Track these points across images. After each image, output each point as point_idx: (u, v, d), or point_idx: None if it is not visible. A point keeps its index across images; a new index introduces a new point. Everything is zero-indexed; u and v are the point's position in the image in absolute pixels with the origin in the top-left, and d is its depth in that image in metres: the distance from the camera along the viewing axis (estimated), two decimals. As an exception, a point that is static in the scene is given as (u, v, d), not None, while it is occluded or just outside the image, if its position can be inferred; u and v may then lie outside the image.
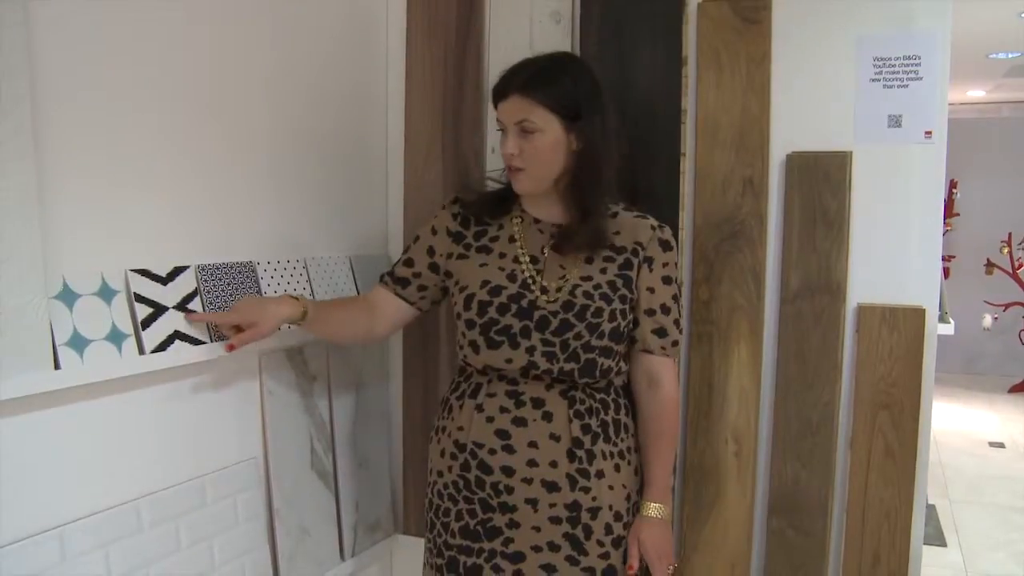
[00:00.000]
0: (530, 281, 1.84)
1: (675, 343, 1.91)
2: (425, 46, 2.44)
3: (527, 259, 1.87)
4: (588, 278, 1.84)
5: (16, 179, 1.49)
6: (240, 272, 1.99)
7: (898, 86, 2.08)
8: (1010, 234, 7.95)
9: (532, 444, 1.81)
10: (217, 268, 1.93)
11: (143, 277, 1.75)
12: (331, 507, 2.29)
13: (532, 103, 1.78)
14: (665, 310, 1.89)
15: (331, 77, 2.32)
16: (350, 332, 2.05)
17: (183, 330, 1.81)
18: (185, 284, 1.84)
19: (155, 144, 1.78)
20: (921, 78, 2.07)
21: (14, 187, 1.48)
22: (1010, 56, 6.45)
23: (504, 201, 1.93)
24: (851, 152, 2.12)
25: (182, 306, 1.82)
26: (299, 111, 2.19)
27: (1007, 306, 8.08)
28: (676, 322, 1.90)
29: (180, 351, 1.80)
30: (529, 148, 1.80)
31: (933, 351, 2.09)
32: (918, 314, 2.08)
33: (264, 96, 2.07)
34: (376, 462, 2.49)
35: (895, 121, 2.09)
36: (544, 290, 1.83)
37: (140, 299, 1.73)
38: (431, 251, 1.97)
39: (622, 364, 1.89)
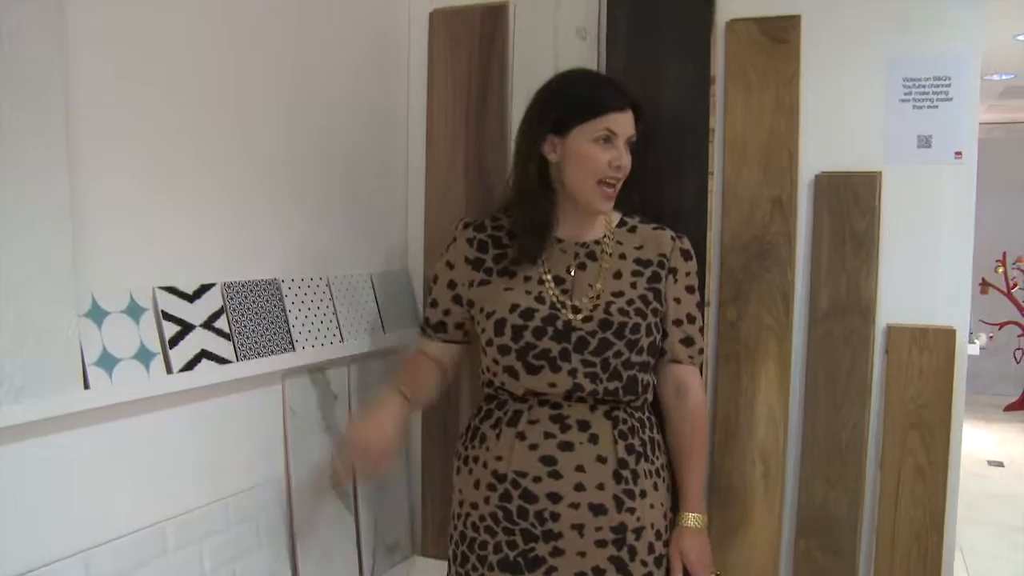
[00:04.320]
0: (558, 302, 1.80)
1: (700, 351, 1.92)
2: (448, 61, 2.42)
3: (552, 281, 1.83)
4: (620, 294, 1.81)
5: (49, 194, 1.46)
6: (265, 290, 1.95)
7: (928, 106, 2.07)
8: (1004, 253, 7.98)
9: (579, 468, 1.77)
10: (243, 286, 1.89)
11: (170, 295, 1.72)
12: (351, 529, 2.24)
13: (634, 119, 1.81)
14: (691, 319, 1.89)
15: (353, 93, 2.30)
16: (435, 395, 2.03)
17: (210, 348, 1.78)
18: (211, 302, 1.81)
19: (182, 161, 1.76)
20: (951, 99, 2.05)
21: (47, 202, 1.46)
22: (1004, 78, 6.50)
23: (549, 229, 1.87)
24: (881, 172, 2.10)
25: (209, 324, 1.79)
26: (321, 128, 2.16)
27: (1001, 325, 8.10)
28: (701, 330, 1.91)
29: (207, 370, 1.77)
30: (628, 163, 1.81)
31: (964, 371, 2.08)
32: (948, 335, 2.06)
33: (287, 113, 2.04)
34: (395, 483, 2.44)
35: (925, 142, 2.07)
36: (576, 309, 1.79)
37: (168, 317, 1.70)
38: (452, 285, 1.94)
39: (654, 378, 1.88)
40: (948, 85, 2.05)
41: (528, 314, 1.79)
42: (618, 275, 1.84)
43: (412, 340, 2.45)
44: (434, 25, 2.45)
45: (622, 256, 1.87)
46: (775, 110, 2.16)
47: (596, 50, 2.29)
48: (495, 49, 2.38)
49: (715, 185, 2.21)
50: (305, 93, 2.10)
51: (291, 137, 2.06)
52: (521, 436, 1.80)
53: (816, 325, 2.16)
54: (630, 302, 1.81)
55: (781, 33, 2.15)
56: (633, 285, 1.83)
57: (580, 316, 1.79)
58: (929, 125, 2.07)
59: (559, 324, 1.78)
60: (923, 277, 2.10)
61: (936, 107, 2.06)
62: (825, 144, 2.14)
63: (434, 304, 1.97)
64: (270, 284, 1.97)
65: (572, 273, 1.84)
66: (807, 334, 2.18)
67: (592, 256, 1.86)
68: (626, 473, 1.77)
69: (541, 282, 1.83)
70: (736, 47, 2.18)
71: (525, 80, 2.34)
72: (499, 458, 1.82)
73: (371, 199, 2.39)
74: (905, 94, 2.09)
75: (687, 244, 1.92)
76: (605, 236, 1.88)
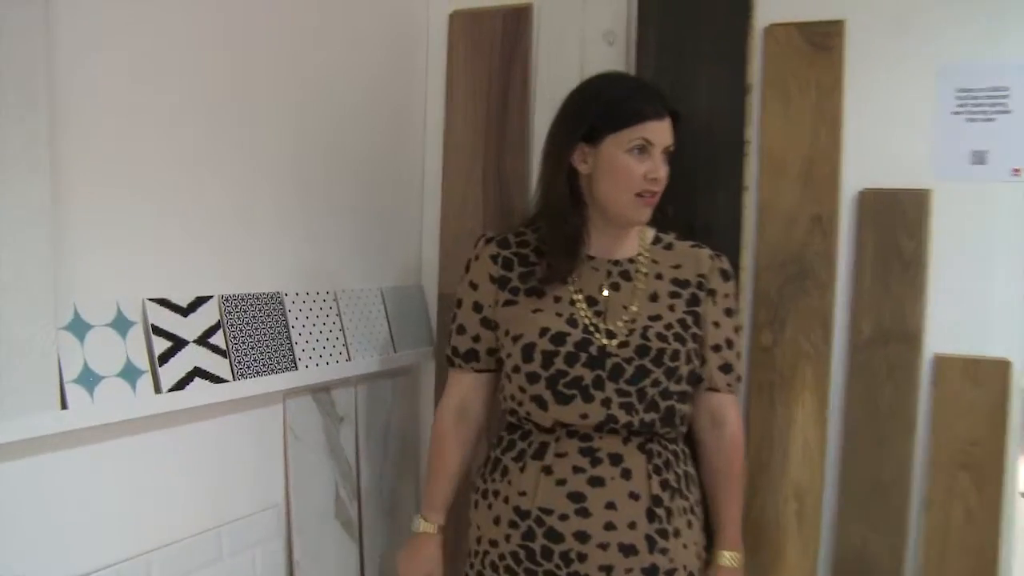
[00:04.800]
0: (591, 326, 1.67)
1: (739, 378, 1.79)
2: (468, 65, 2.31)
3: (584, 302, 1.70)
4: (657, 317, 1.68)
5: (28, 194, 1.34)
6: (266, 304, 1.83)
7: (983, 119, 1.92)
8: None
9: (610, 505, 1.63)
10: (242, 299, 1.77)
11: (162, 307, 1.60)
12: (355, 560, 2.11)
13: (671, 128, 1.69)
14: (729, 344, 1.76)
15: (366, 97, 2.17)
16: (469, 462, 1.88)
17: (204, 366, 1.65)
18: (207, 316, 1.68)
19: (179, 164, 1.64)
20: (1010, 111, 1.91)
21: (25, 203, 1.34)
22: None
23: (581, 245, 1.73)
24: (930, 190, 1.95)
25: (203, 340, 1.66)
26: (332, 132, 2.04)
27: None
28: (739, 355, 1.78)
29: (200, 390, 1.64)
30: (666, 175, 1.68)
31: (1019, 406, 1.92)
32: (1002, 366, 1.90)
33: (296, 116, 1.93)
34: (404, 510, 2.31)
35: (979, 157, 1.93)
36: (610, 334, 1.66)
37: (158, 331, 1.58)
38: (477, 307, 1.79)
39: (691, 408, 1.75)
40: (1006, 96, 1.91)
41: (559, 339, 1.66)
42: (654, 297, 1.71)
43: (425, 360, 2.35)
44: (454, 27, 2.34)
45: (658, 276, 1.74)
46: (816, 121, 2.03)
47: (625, 55, 2.17)
48: (517, 53, 2.27)
49: (750, 201, 2.08)
50: (315, 95, 1.98)
51: (299, 141, 1.94)
52: (547, 470, 1.67)
53: (857, 353, 2.01)
54: (668, 326, 1.68)
55: (824, 39, 2.01)
56: (671, 308, 1.71)
57: (615, 341, 1.65)
58: (984, 139, 1.92)
59: (593, 350, 1.64)
60: (975, 304, 1.94)
61: (992, 120, 1.92)
62: (870, 158, 2.01)
63: (461, 331, 1.81)
64: (272, 298, 1.85)
65: (605, 293, 1.71)
66: (847, 363, 2.03)
67: (626, 275, 1.73)
68: (660, 511, 1.64)
69: (572, 303, 1.70)
70: (775, 53, 2.05)
71: (548, 86, 2.23)
72: (522, 493, 1.68)
73: (384, 209, 2.26)
74: (958, 106, 1.94)
75: (726, 263, 1.78)
76: (640, 254, 1.75)
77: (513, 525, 1.68)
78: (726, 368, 1.75)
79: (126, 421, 1.51)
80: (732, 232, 2.05)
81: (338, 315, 2.04)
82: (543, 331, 1.67)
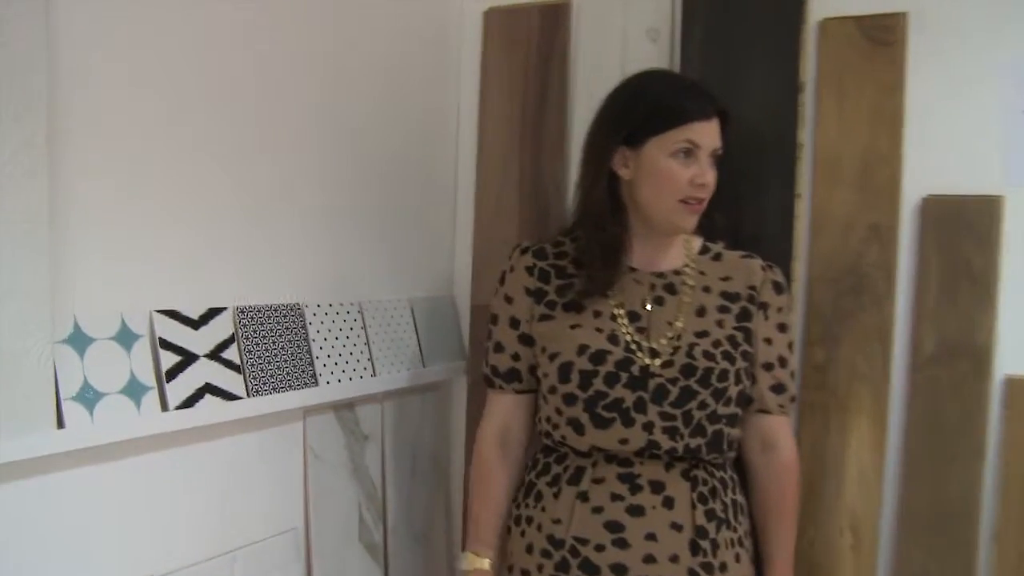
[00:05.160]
0: (633, 344, 1.55)
1: (792, 399, 1.67)
2: (502, 63, 2.20)
3: (625, 317, 1.58)
4: (704, 334, 1.57)
5: (25, 198, 1.26)
6: (285, 316, 1.73)
7: (1060, 119, 1.77)
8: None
9: (650, 536, 1.52)
10: (259, 311, 1.67)
11: (171, 319, 1.50)
12: (379, 586, 2.00)
13: (719, 129, 1.57)
14: (782, 363, 1.64)
15: (396, 97, 2.07)
16: (516, 489, 1.73)
17: (216, 382, 1.55)
18: (220, 328, 1.59)
19: (190, 166, 1.55)
20: (1089, 110, 1.75)
21: (22, 207, 1.26)
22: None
23: (622, 255, 1.63)
24: (1001, 197, 1.80)
25: (216, 354, 1.57)
26: (358, 134, 1.94)
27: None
28: (792, 374, 1.66)
29: (211, 407, 1.54)
30: (713, 180, 1.57)
31: (1099, 435, 1.76)
32: (1081, 390, 1.74)
33: (319, 117, 1.82)
34: (433, 534, 2.20)
35: (1057, 160, 1.77)
36: (654, 353, 1.54)
37: (166, 345, 1.49)
38: (514, 323, 1.68)
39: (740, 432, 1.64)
40: (1084, 94, 1.75)
41: (599, 357, 1.55)
42: (701, 311, 1.60)
43: (456, 375, 2.24)
44: (488, 25, 2.23)
45: (706, 289, 1.62)
46: (875, 122, 1.88)
47: (669, 53, 2.05)
48: (555, 51, 2.15)
49: (803, 208, 1.94)
50: (340, 94, 1.88)
51: (323, 143, 1.84)
52: (583, 497, 1.56)
53: (919, 372, 1.85)
54: (716, 344, 1.57)
55: (884, 33, 1.86)
56: (719, 323, 1.59)
57: (659, 360, 1.54)
58: (1061, 141, 1.76)
59: (635, 369, 1.53)
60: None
61: (1070, 120, 1.76)
62: (934, 162, 1.85)
63: (499, 348, 1.70)
64: (292, 309, 1.75)
65: (649, 308, 1.59)
66: (907, 383, 1.88)
67: (671, 289, 1.62)
68: (705, 543, 1.52)
69: (613, 318, 1.58)
70: (830, 49, 1.91)
71: (588, 86, 2.12)
72: (557, 521, 1.58)
73: (413, 215, 2.15)
74: (1032, 104, 1.78)
75: (779, 275, 1.68)
76: (686, 265, 1.64)
77: (546, 555, 1.58)
78: (778, 388, 1.63)
79: (130, 440, 1.42)
80: (782, 242, 1.91)
81: (363, 328, 1.93)
82: (581, 349, 1.55)
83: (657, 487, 1.53)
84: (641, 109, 1.57)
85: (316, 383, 1.78)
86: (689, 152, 1.53)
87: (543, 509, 1.60)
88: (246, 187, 1.66)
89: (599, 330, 1.57)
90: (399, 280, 2.10)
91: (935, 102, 1.85)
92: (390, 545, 2.03)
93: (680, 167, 1.53)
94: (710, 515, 1.54)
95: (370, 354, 1.94)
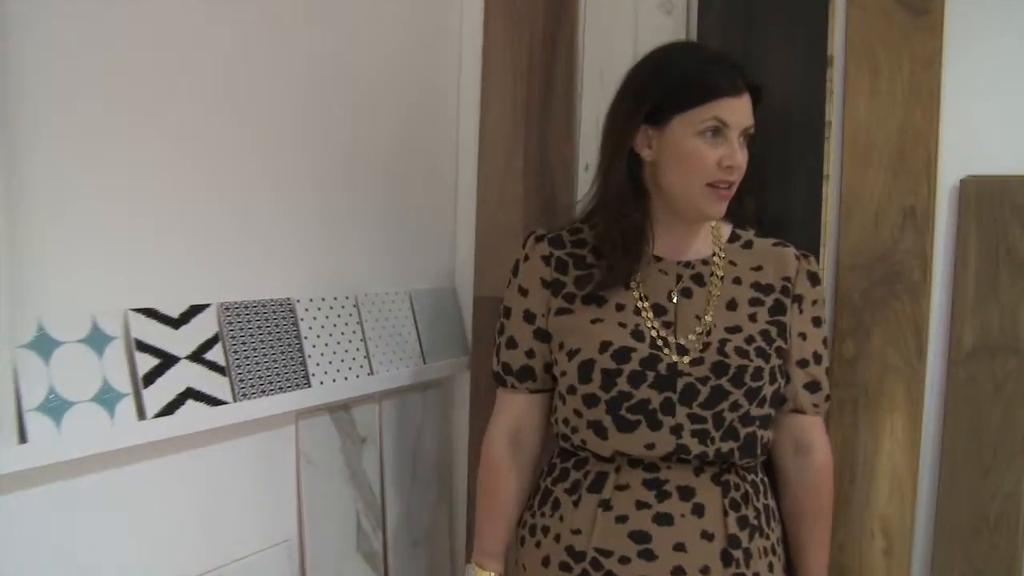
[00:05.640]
0: (659, 340, 1.43)
1: (827, 398, 1.55)
2: (506, 42, 2.06)
3: (650, 311, 1.45)
4: (736, 329, 1.45)
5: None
6: (275, 312, 1.60)
7: (1111, 94, 1.64)
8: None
9: (679, 547, 1.40)
10: (246, 307, 1.54)
11: (148, 319, 1.37)
12: (379, 599, 1.88)
13: (751, 106, 1.44)
14: (817, 359, 1.53)
15: (391, 76, 1.92)
16: (527, 496, 1.62)
17: (198, 387, 1.42)
18: (203, 327, 1.46)
19: (167, 150, 1.41)
20: None
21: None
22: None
23: (644, 242, 1.50)
24: (1049, 177, 1.67)
25: (198, 356, 1.44)
26: (351, 117, 1.80)
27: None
28: (827, 371, 1.54)
29: (193, 414, 1.41)
30: (744, 161, 1.44)
31: None
32: None
33: (309, 97, 1.69)
34: (435, 539, 2.07)
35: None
36: (682, 350, 1.42)
37: (143, 347, 1.35)
38: (529, 317, 1.55)
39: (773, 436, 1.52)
40: None
41: (622, 355, 1.42)
42: (732, 304, 1.48)
43: (459, 371, 2.11)
44: (489, 1, 2.08)
45: (736, 280, 1.50)
46: (910, 99, 1.75)
47: (684, 26, 1.91)
48: (562, 27, 2.01)
49: (831, 191, 1.81)
50: (331, 74, 1.74)
51: (313, 125, 1.70)
52: (606, 505, 1.44)
53: (957, 368, 1.73)
54: (749, 339, 1.44)
55: (920, 2, 1.73)
56: (752, 317, 1.47)
57: (687, 358, 1.42)
58: (1112, 117, 1.64)
59: (662, 368, 1.41)
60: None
61: (1121, 95, 1.63)
62: (974, 141, 1.73)
63: (512, 344, 1.57)
64: (282, 305, 1.62)
65: (675, 300, 1.47)
66: (945, 379, 1.76)
67: (699, 279, 1.49)
68: (737, 553, 1.41)
69: (638, 312, 1.46)
70: (861, 21, 1.78)
71: (598, 63, 2.00)
72: (576, 531, 1.46)
73: (411, 202, 2.02)
74: (1080, 77, 1.65)
75: (814, 265, 1.56)
76: (714, 254, 1.51)
77: (565, 568, 1.46)
78: (813, 386, 1.51)
79: (103, 454, 1.28)
80: (809, 228, 1.79)
81: (359, 323, 1.80)
82: (604, 345, 1.43)
83: (686, 493, 1.42)
84: (665, 83, 1.44)
85: (309, 384, 1.65)
86: (717, 131, 1.40)
87: (561, 518, 1.48)
88: (229, 174, 1.52)
89: (622, 325, 1.45)
90: (397, 272, 1.97)
91: (975, 78, 1.72)
92: (390, 554, 1.91)
93: (708, 147, 1.39)
94: (742, 522, 1.43)
95: (367, 351, 1.81)
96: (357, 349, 1.78)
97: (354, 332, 1.79)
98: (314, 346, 1.67)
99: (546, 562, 1.49)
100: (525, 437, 1.59)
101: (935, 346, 1.76)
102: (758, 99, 1.45)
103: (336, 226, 1.77)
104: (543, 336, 1.53)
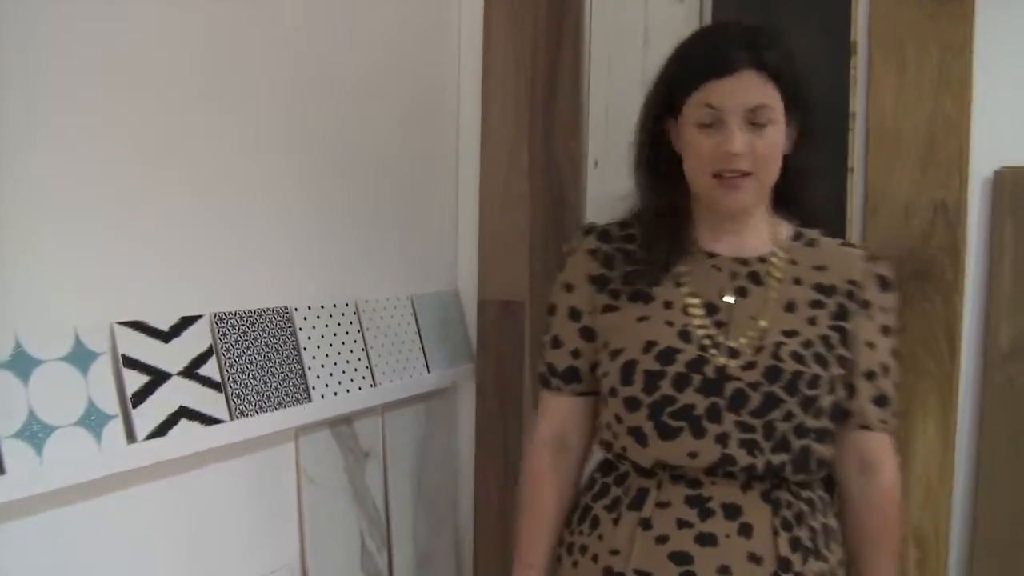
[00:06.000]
0: (708, 341, 1.33)
1: (896, 414, 1.43)
2: (508, 31, 1.96)
3: (701, 310, 1.36)
4: (793, 333, 1.34)
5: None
6: (271, 322, 1.50)
7: None
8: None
9: (724, 570, 1.30)
10: (241, 317, 1.44)
11: (137, 332, 1.27)
12: (384, 623, 1.78)
13: (766, 82, 1.31)
14: (885, 371, 1.40)
15: (388, 71, 1.83)
16: (571, 506, 1.51)
17: (192, 405, 1.32)
18: (196, 340, 1.36)
19: (156, 153, 1.31)
20: None
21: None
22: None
23: (683, 228, 1.43)
24: (1086, 167, 1.60)
25: (191, 372, 1.34)
26: (346, 120, 1.70)
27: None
28: (895, 384, 1.42)
29: (187, 435, 1.31)
30: (763, 146, 1.31)
31: None
32: None
33: (303, 101, 1.59)
34: (441, 557, 1.98)
35: None
36: (733, 352, 1.33)
37: (131, 364, 1.25)
38: (575, 315, 1.46)
39: (832, 452, 1.40)
40: None
41: (667, 356, 1.33)
42: (791, 307, 1.37)
43: (464, 380, 2.02)
44: (490, -9, 2.00)
45: (796, 281, 1.40)
46: (939, 88, 1.68)
47: (699, 13, 1.83)
48: (568, 16, 1.92)
49: (856, 185, 1.74)
50: (325, 71, 1.64)
51: (307, 125, 1.61)
52: (646, 524, 1.34)
53: (994, 371, 1.66)
54: (807, 344, 1.34)
55: (949, -15, 1.66)
56: (811, 321, 1.36)
57: (738, 362, 1.32)
58: None
59: (709, 371, 1.32)
60: None
61: None
62: (1008, 131, 1.66)
63: (557, 344, 1.48)
64: (279, 314, 1.52)
65: (729, 300, 1.38)
66: (979, 382, 1.69)
67: (756, 279, 1.39)
68: None
69: (686, 311, 1.36)
70: (886, 7, 1.71)
71: (606, 56, 1.93)
72: (615, 552, 1.36)
73: (411, 203, 1.92)
74: (1120, 63, 1.58)
75: (886, 269, 1.43)
76: (773, 253, 1.42)
77: None
78: (880, 400, 1.40)
79: (90, 482, 1.18)
80: (834, 223, 1.69)
81: (360, 331, 1.71)
82: (648, 346, 1.34)
83: (732, 512, 1.32)
84: (667, 73, 1.40)
85: (309, 398, 1.55)
86: (714, 117, 1.31)
87: (600, 537, 1.39)
88: (220, 176, 1.42)
89: (669, 324, 1.36)
90: (398, 276, 1.88)
91: (1009, 65, 1.66)
92: (396, 572, 1.81)
93: (704, 136, 1.32)
94: (795, 544, 1.32)
95: (368, 361, 1.72)
96: (359, 359, 1.69)
97: (355, 341, 1.69)
98: (314, 357, 1.58)
99: None
100: (570, 443, 1.50)
101: (969, 347, 1.69)
102: (779, 76, 1.33)
103: (333, 229, 1.68)
104: (589, 335, 1.44)
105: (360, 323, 1.71)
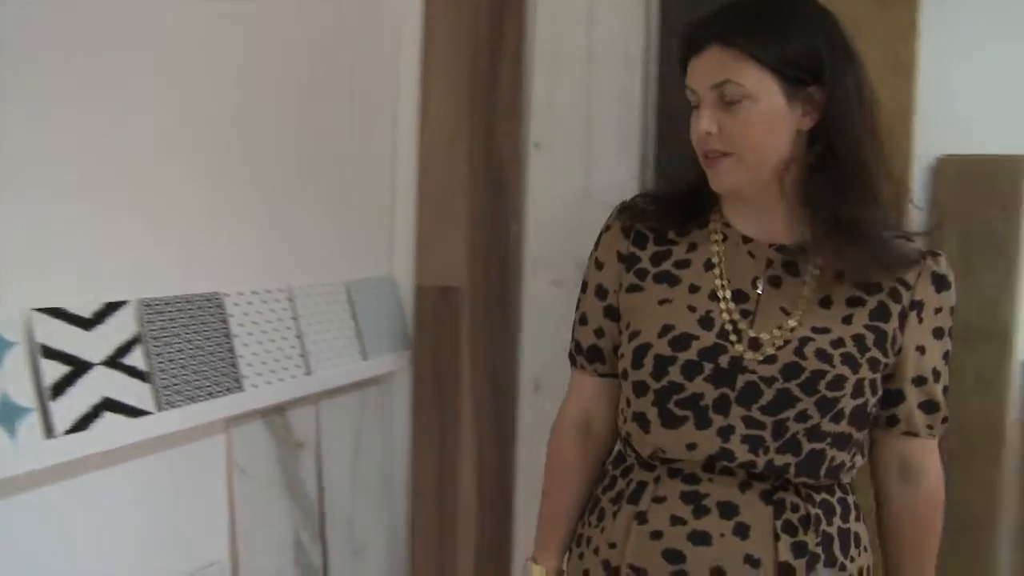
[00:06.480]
0: (730, 328, 1.27)
1: (944, 419, 1.35)
2: (449, 17, 1.92)
3: (728, 295, 1.30)
4: (824, 330, 1.26)
5: None
6: (201, 309, 1.44)
7: (1091, 70, 1.58)
8: None
9: (717, 571, 1.24)
10: (168, 304, 1.37)
11: (56, 320, 1.20)
12: (318, 617, 1.73)
13: (738, 56, 1.21)
14: (936, 376, 1.32)
15: (326, 54, 1.77)
16: (594, 490, 1.44)
17: (117, 396, 1.26)
18: (120, 328, 1.29)
19: (75, 129, 1.24)
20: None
21: None
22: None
23: (698, 207, 1.37)
24: (1026, 156, 1.61)
25: (115, 361, 1.27)
26: (282, 102, 1.65)
27: None
28: (946, 390, 1.35)
29: (111, 428, 1.25)
30: (734, 124, 1.23)
31: None
32: (1113, 375, 1.56)
33: (234, 81, 1.53)
34: (376, 548, 1.94)
35: (1089, 116, 1.58)
36: (755, 344, 1.26)
37: (50, 353, 1.19)
38: (601, 292, 1.40)
39: (858, 459, 1.31)
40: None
41: (682, 342, 1.26)
42: (826, 301, 1.28)
43: (401, 367, 1.95)
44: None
45: (839, 274, 1.29)
46: (885, 74, 1.62)
47: (645, 1, 1.79)
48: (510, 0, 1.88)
49: (800, 170, 1.71)
50: (261, 54, 1.58)
51: (240, 107, 1.54)
52: (641, 518, 1.29)
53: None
54: (837, 343, 1.25)
55: (895, -28, 1.65)
56: (847, 319, 1.27)
57: (759, 354, 1.25)
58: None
59: (723, 361, 1.25)
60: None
61: (1102, 71, 1.57)
62: (951, 119, 1.66)
63: (584, 321, 1.43)
64: (208, 300, 1.46)
65: (760, 289, 1.30)
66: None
67: (792, 268, 1.31)
68: None
69: (714, 296, 1.30)
70: (832, -10, 1.68)
71: (550, 39, 1.87)
72: (612, 545, 1.32)
73: (347, 188, 1.86)
74: (1060, 54, 1.59)
75: (944, 266, 1.32)
76: None
77: None
78: (929, 407, 1.33)
79: (4, 480, 1.11)
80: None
81: (293, 318, 1.65)
82: (664, 330, 1.27)
83: (728, 511, 1.26)
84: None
85: (241, 387, 1.49)
86: (696, 99, 1.27)
87: (603, 530, 1.35)
88: (148, 157, 1.35)
89: (692, 309, 1.29)
90: (332, 261, 1.82)
91: (954, 51, 1.65)
92: (330, 566, 1.77)
93: (693, 120, 1.27)
94: (799, 549, 1.25)
95: (302, 349, 1.66)
96: (292, 347, 1.63)
97: (288, 328, 1.63)
98: (246, 345, 1.51)
99: (586, 575, 1.37)
100: (596, 427, 1.44)
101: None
102: (756, 48, 1.23)
103: (267, 213, 1.61)
104: (613, 314, 1.39)
105: (294, 310, 1.66)
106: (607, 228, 1.40)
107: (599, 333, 1.40)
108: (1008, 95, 1.62)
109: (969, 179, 1.62)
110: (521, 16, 1.87)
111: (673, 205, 1.35)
